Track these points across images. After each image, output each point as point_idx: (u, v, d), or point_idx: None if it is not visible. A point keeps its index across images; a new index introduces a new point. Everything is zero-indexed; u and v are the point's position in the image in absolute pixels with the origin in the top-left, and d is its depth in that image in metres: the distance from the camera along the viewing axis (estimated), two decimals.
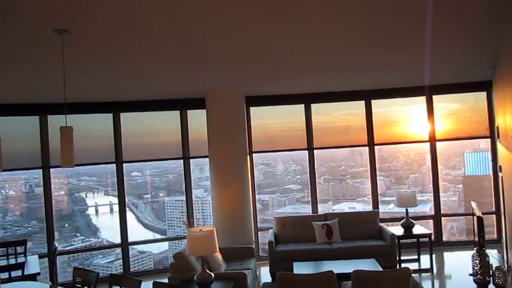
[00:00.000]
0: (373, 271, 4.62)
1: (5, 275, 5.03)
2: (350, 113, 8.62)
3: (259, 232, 8.12)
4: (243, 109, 7.61)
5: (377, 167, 8.33)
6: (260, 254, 8.02)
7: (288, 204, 9.17)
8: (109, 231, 8.57)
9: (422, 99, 8.24)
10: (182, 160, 8.05)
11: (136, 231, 8.32)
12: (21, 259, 6.19)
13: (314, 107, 8.26)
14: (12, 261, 6.18)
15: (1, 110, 6.77)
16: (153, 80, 6.16)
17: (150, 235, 8.94)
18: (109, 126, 7.74)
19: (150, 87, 6.74)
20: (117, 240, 7.90)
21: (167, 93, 7.32)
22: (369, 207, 8.33)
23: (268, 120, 8.48)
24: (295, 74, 6.33)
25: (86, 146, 7.46)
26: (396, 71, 6.69)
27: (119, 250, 7.94)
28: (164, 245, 8.90)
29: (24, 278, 5.19)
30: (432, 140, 8.23)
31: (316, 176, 8.34)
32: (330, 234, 7.16)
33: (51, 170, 7.40)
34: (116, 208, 7.92)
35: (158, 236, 8.96)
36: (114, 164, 7.77)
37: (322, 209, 8.37)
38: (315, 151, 8.26)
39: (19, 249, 6.48)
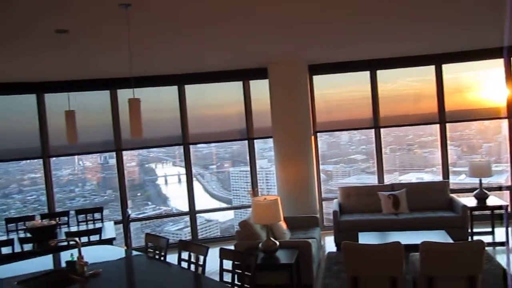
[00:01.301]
0: (443, 243, 4.45)
1: (84, 239, 5.41)
2: (418, 79, 8.18)
3: (323, 202, 8.10)
4: (306, 78, 7.47)
5: (447, 136, 7.92)
6: (324, 224, 8.02)
7: (352, 175, 9.02)
8: (178, 200, 8.93)
9: (499, 63, 7.64)
10: (246, 140, 8.18)
11: (203, 200, 8.59)
12: (98, 225, 6.63)
13: (380, 73, 7.93)
14: (90, 226, 6.65)
15: (75, 85, 7.13)
16: (217, 51, 6.18)
17: (216, 204, 9.21)
18: (175, 98, 7.95)
19: (213, 58, 6.77)
20: (186, 208, 8.23)
21: (230, 63, 7.30)
22: (438, 178, 7.98)
23: (329, 90, 8.27)
24: (360, 38, 6.03)
25: (154, 119, 7.76)
26: (472, 30, 6.17)
27: (187, 218, 8.27)
28: (230, 214, 9.15)
29: (101, 242, 5.57)
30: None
31: (382, 146, 8.10)
32: (397, 204, 6.98)
33: (123, 140, 7.78)
34: (183, 178, 8.21)
35: (224, 205, 9.22)
36: (182, 145, 8.07)
37: (388, 179, 8.14)
38: (381, 117, 7.98)
39: (97, 215, 6.95)
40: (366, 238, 5.52)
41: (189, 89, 7.98)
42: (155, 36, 4.95)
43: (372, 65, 7.83)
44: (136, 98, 3.59)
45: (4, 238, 6.11)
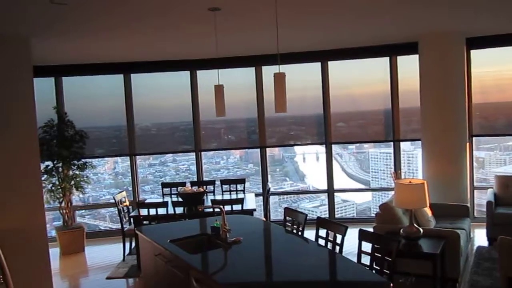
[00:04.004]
0: None
1: (227, 208, 5.73)
2: None
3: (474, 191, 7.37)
4: (463, 54, 6.74)
5: None
6: (475, 215, 7.29)
7: (509, 163, 8.10)
8: (315, 178, 8.96)
9: None
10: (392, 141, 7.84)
11: (340, 180, 8.45)
12: (240, 196, 6.98)
13: None
14: (233, 196, 7.03)
15: (224, 62, 7.41)
16: (362, 24, 5.91)
17: (353, 185, 9.03)
18: (317, 75, 7.87)
19: (358, 33, 6.48)
20: (321, 186, 8.20)
21: (375, 38, 6.90)
22: None
23: (486, 67, 7.34)
24: None
25: (298, 97, 7.82)
26: None
27: (323, 196, 8.26)
28: (367, 196, 8.89)
29: (243, 212, 5.84)
30: None
31: None
32: None
33: (266, 118, 8.02)
34: (321, 156, 8.17)
35: (362, 187, 8.98)
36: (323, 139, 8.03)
37: None
38: None
39: (239, 186, 7.31)
40: None
41: (332, 65, 7.84)
42: (301, 12, 4.91)
43: None
44: (282, 72, 3.60)
45: (160, 200, 6.81)
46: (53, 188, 6.97)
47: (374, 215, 8.10)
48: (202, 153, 8.26)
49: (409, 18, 5.70)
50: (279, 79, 3.58)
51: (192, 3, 4.30)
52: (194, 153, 8.22)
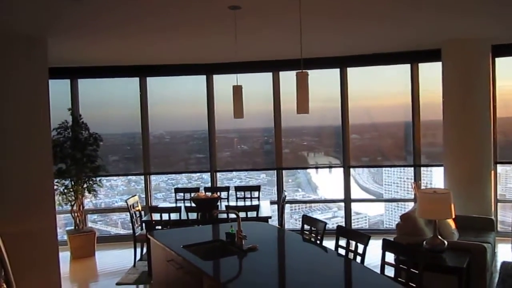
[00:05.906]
0: None
1: (242, 214, 5.55)
2: None
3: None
4: (488, 62, 6.46)
5: None
6: (498, 229, 7.02)
7: None
8: (328, 190, 8.77)
9: None
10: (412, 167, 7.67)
11: (353, 192, 8.26)
12: (255, 203, 6.81)
13: None
14: (248, 203, 6.87)
15: (241, 66, 7.19)
16: (384, 29, 5.76)
17: (366, 197, 8.83)
18: (336, 83, 7.71)
19: (380, 38, 6.32)
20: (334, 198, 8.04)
21: (397, 43, 6.72)
22: None
23: (506, 80, 7.06)
24: None
25: (315, 106, 7.64)
26: None
27: (336, 208, 8.05)
28: (380, 209, 8.71)
29: (258, 219, 5.67)
30: None
31: None
32: None
33: (283, 128, 7.90)
34: (334, 168, 8.03)
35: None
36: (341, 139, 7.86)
37: None
38: None
39: (254, 194, 7.15)
40: None
41: (351, 71, 7.69)
42: (324, 14, 4.78)
43: None
44: (304, 72, 3.45)
45: (173, 205, 6.69)
46: (65, 190, 6.87)
47: (386, 227, 7.98)
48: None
49: (432, 24, 5.52)
50: (302, 78, 3.43)
51: (213, 0, 4.18)
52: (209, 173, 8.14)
